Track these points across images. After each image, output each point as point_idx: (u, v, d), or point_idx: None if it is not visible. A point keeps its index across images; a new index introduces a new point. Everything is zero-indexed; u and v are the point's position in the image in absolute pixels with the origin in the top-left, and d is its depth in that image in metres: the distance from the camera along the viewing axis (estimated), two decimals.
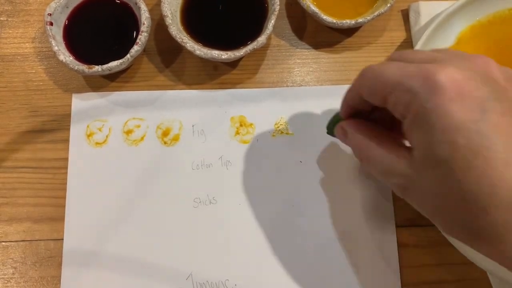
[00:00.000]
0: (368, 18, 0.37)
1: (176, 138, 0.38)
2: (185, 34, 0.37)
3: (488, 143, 0.19)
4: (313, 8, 0.37)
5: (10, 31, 0.41)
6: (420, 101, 0.21)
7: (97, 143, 0.38)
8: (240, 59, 0.40)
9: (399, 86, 0.22)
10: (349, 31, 0.41)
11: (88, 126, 0.38)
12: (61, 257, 0.35)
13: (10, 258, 0.36)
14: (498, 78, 0.21)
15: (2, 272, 0.36)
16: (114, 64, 0.35)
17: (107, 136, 0.38)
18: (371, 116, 0.28)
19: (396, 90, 0.22)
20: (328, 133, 0.32)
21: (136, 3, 0.37)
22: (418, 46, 0.35)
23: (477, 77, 0.20)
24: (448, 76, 0.20)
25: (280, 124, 0.38)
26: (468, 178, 0.19)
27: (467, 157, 0.19)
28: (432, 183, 0.21)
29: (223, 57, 0.35)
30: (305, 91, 0.39)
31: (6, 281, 0.35)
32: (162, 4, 0.36)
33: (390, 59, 0.25)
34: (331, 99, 0.39)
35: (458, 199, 0.20)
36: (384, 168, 0.24)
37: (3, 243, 0.36)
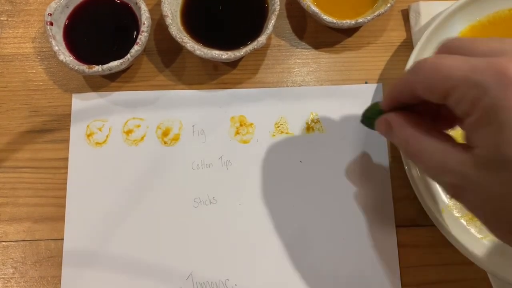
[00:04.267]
0: (368, 18, 0.37)
1: (176, 138, 0.38)
2: (185, 34, 0.37)
3: None
4: (313, 8, 0.37)
5: (10, 31, 0.41)
6: (490, 97, 0.19)
7: (97, 143, 0.38)
8: (240, 59, 0.40)
9: (465, 81, 0.20)
10: (349, 31, 0.41)
11: (88, 126, 0.38)
12: (61, 257, 0.35)
13: (10, 258, 0.36)
14: None
15: (2, 272, 0.36)
16: (114, 64, 0.35)
17: (107, 136, 0.38)
18: (415, 109, 0.26)
19: (462, 85, 0.20)
20: (362, 121, 0.31)
21: (136, 3, 0.37)
22: (418, 46, 0.35)
23: None
24: None
25: (280, 124, 0.38)
26: None
27: None
28: (495, 185, 0.19)
29: (223, 57, 0.35)
30: (305, 91, 0.39)
31: (6, 281, 0.35)
32: (162, 4, 0.36)
33: (446, 49, 0.24)
34: (331, 99, 0.39)
35: None
36: (438, 163, 0.22)
37: (3, 243, 0.36)
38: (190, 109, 0.39)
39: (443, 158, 0.22)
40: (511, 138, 0.18)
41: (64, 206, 0.36)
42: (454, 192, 0.22)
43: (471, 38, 0.22)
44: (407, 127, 0.24)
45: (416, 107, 0.26)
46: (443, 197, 0.35)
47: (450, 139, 0.23)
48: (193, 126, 0.38)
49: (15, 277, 0.35)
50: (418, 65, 0.23)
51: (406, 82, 0.24)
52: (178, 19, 0.38)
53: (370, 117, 0.29)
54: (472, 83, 0.20)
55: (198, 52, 0.35)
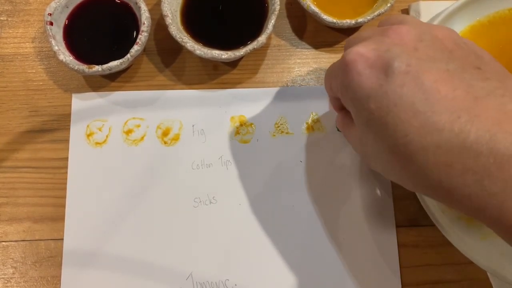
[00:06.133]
0: (368, 18, 0.37)
1: (176, 138, 0.38)
2: (185, 34, 0.37)
3: (395, 101, 0.22)
4: (313, 8, 0.37)
5: (10, 31, 0.41)
6: (340, 82, 0.25)
7: (97, 143, 0.38)
8: (240, 59, 0.40)
9: (335, 76, 0.26)
10: (349, 31, 0.41)
11: (88, 126, 0.38)
12: (61, 257, 0.35)
13: (10, 258, 0.36)
14: (408, 41, 0.23)
15: (2, 272, 0.36)
16: (114, 64, 0.35)
17: (107, 136, 0.38)
18: None
19: (333, 80, 0.27)
20: (338, 130, 0.37)
21: (136, 3, 0.37)
22: None
23: (382, 47, 0.23)
24: (354, 54, 0.23)
25: (280, 124, 0.38)
26: (387, 133, 0.22)
27: (381, 117, 0.22)
28: (371, 146, 0.24)
29: (223, 57, 0.35)
30: (305, 91, 0.39)
31: (6, 281, 0.35)
32: (162, 3, 0.36)
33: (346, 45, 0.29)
34: None
35: (390, 153, 0.23)
36: (355, 146, 0.28)
37: (3, 243, 0.36)
38: (190, 109, 0.39)
39: (356, 143, 0.27)
40: (359, 107, 0.23)
41: (64, 206, 0.36)
42: (366, 161, 0.27)
43: (357, 34, 0.28)
44: (341, 123, 0.30)
45: None
46: None
47: None
48: (193, 126, 0.38)
49: (15, 277, 0.35)
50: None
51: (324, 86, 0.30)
52: (178, 19, 0.38)
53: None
54: (333, 76, 0.26)
55: (198, 52, 0.35)
